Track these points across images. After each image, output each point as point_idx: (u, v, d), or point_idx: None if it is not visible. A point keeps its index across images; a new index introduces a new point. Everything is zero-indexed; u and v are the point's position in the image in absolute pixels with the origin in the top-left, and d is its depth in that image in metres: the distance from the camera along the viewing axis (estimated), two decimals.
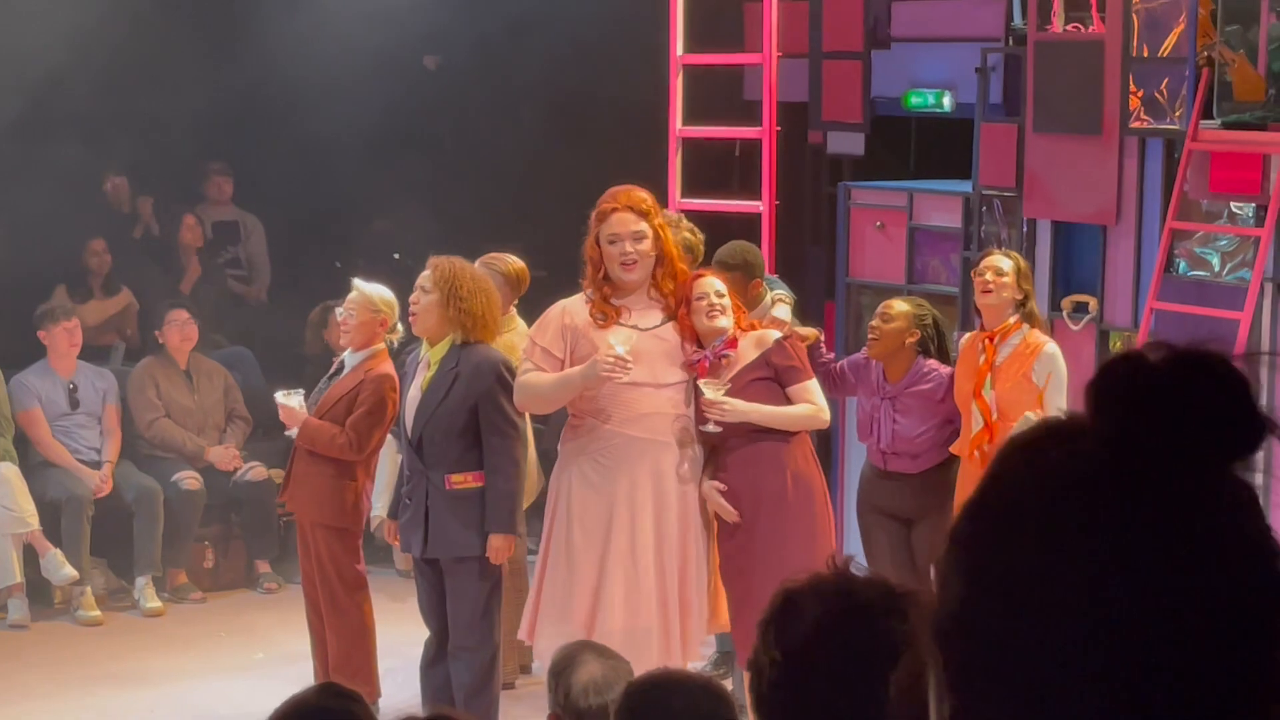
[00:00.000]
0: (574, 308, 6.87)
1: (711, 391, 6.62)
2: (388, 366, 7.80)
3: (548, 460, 8.50)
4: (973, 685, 1.18)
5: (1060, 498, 1.15)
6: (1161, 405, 1.15)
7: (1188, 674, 1.11)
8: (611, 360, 6.60)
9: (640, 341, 6.73)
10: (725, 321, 6.72)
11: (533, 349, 6.86)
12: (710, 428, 6.67)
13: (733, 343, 6.73)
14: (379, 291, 7.85)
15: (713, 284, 6.82)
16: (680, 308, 6.80)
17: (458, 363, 7.09)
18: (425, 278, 7.20)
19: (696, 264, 7.61)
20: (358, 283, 7.89)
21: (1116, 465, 1.14)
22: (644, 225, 6.77)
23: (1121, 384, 1.17)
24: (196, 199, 11.75)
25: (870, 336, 7.53)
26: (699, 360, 6.73)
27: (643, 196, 6.87)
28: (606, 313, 6.77)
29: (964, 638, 1.18)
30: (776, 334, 6.88)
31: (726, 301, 6.78)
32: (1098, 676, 1.12)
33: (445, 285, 7.09)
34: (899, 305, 7.58)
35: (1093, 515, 1.14)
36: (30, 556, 9.43)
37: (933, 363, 7.50)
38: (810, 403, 6.76)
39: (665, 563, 6.72)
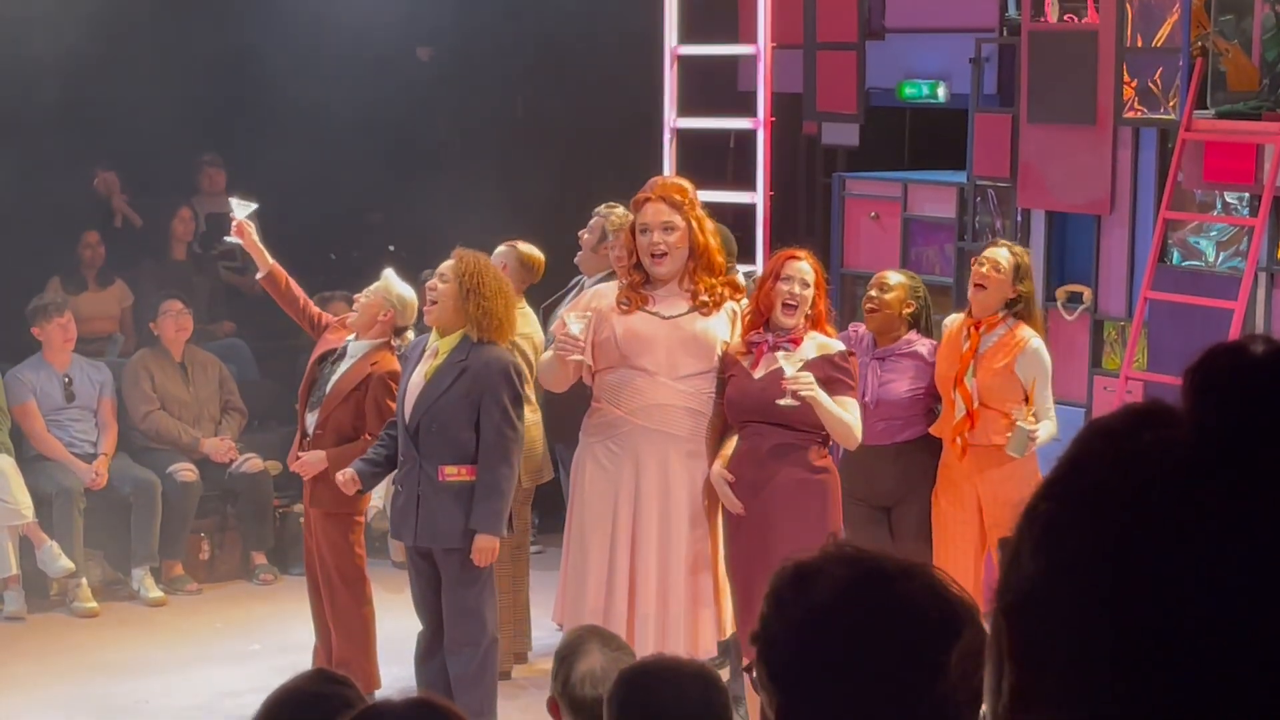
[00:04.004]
0: (605, 291, 6.87)
1: (793, 367, 6.53)
2: (393, 364, 7.61)
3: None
4: (1038, 662, 1.18)
5: (1152, 483, 1.14)
6: (1267, 396, 1.15)
7: (1276, 665, 1.10)
8: (561, 337, 6.63)
9: (658, 330, 6.69)
10: (796, 319, 6.67)
11: (560, 327, 6.88)
12: (786, 402, 6.53)
13: (797, 340, 6.69)
14: (403, 289, 7.71)
15: (801, 271, 6.69)
16: (714, 291, 6.73)
17: (467, 357, 7.01)
18: (447, 266, 7.08)
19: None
20: (388, 273, 7.78)
21: (1217, 454, 1.14)
22: (676, 217, 6.69)
23: (1226, 374, 1.16)
24: (190, 191, 11.73)
25: (868, 308, 7.48)
26: (759, 343, 6.70)
27: (680, 187, 6.82)
28: (631, 299, 6.73)
29: (1034, 615, 1.18)
30: (842, 346, 6.81)
31: (809, 293, 6.69)
32: (1176, 663, 1.11)
33: (468, 280, 6.99)
34: (895, 276, 7.58)
35: (1189, 502, 1.13)
36: (26, 548, 9.42)
37: (920, 335, 7.53)
38: (854, 417, 6.76)
39: (670, 553, 6.70)
